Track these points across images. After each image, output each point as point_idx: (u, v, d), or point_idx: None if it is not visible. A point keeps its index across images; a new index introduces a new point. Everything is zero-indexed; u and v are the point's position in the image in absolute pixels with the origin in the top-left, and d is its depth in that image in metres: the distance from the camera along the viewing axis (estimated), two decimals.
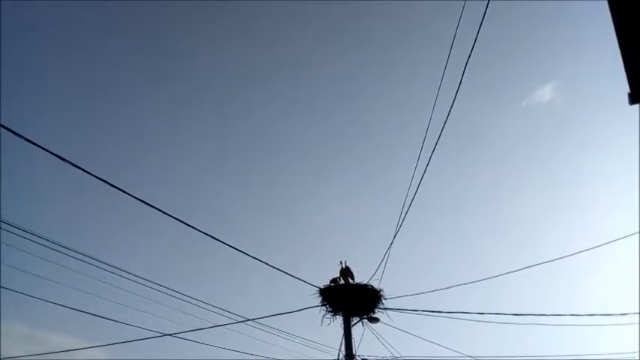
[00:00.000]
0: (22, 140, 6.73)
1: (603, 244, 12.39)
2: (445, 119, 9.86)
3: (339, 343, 14.14)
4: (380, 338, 14.63)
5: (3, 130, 6.48)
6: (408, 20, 32.85)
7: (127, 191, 8.11)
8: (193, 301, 12.37)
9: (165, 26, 31.95)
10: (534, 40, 30.45)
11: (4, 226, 8.92)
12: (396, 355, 14.60)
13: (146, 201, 8.46)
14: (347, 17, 32.25)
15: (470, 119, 28.64)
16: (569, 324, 13.20)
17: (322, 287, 14.49)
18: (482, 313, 13.62)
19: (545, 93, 32.51)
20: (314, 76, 34.18)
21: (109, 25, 30.66)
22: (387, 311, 14.54)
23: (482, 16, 8.10)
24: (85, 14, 28.92)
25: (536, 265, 13.52)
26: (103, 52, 30.85)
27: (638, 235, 10.85)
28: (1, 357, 12.96)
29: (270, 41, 33.45)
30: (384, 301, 14.60)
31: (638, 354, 12.87)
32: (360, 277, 14.85)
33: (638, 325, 12.12)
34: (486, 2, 7.90)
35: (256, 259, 11.23)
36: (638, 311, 12.19)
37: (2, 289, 9.48)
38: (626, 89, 4.55)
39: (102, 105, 30.81)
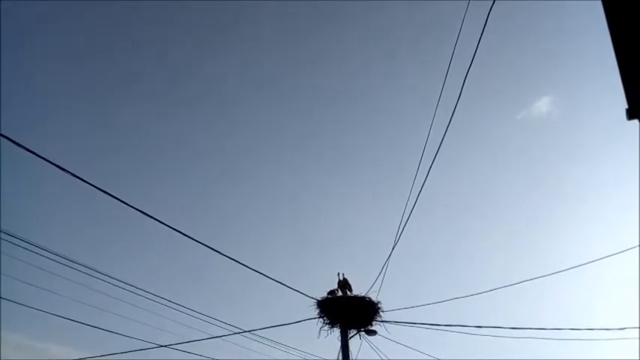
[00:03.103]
0: (22, 149, 6.72)
1: (602, 258, 12.39)
2: (444, 133, 9.89)
3: (337, 355, 14.08)
4: (377, 351, 14.57)
5: (3, 139, 6.47)
6: (408, 33, 33.07)
7: (125, 201, 8.09)
8: (190, 312, 12.35)
9: (170, 30, 32.12)
10: (531, 53, 30.61)
11: (3, 236, 8.89)
12: None
13: (144, 211, 8.44)
14: (352, 24, 32.49)
15: (467, 132, 28.69)
16: (569, 338, 13.16)
17: (320, 299, 14.44)
18: (480, 327, 13.57)
19: (542, 106, 32.61)
20: (316, 81, 34.20)
21: (113, 29, 30.80)
22: (385, 324, 14.49)
23: (481, 30, 8.13)
24: (88, 17, 29.04)
25: (534, 278, 13.50)
26: (105, 58, 30.92)
27: (638, 248, 10.82)
28: None
29: (275, 46, 33.56)
30: (381, 313, 14.56)
31: None
32: (357, 290, 14.83)
33: (638, 340, 12.07)
34: (486, 17, 7.93)
35: (254, 270, 11.19)
36: (637, 325, 12.14)
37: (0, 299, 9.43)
38: (624, 104, 4.54)
39: (102, 113, 30.83)
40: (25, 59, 28.10)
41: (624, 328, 12.42)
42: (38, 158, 6.86)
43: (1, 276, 10.01)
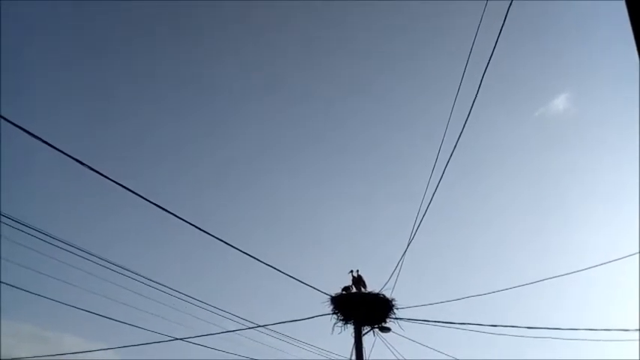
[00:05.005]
0: (41, 142, 6.81)
1: (620, 259, 12.26)
2: (460, 131, 9.84)
3: (350, 351, 14.08)
4: (391, 348, 14.55)
5: (21, 131, 6.56)
6: (425, 30, 32.91)
7: (143, 195, 8.16)
8: (205, 305, 12.42)
9: (177, 31, 32.27)
10: (547, 50, 30.32)
11: (16, 225, 9.01)
12: None
13: (160, 205, 8.51)
14: (362, 25, 32.38)
15: (484, 130, 28.53)
16: (585, 338, 13.04)
17: (334, 295, 14.45)
18: (495, 326, 13.49)
19: (559, 103, 32.35)
20: (327, 82, 34.24)
21: (122, 29, 31.03)
22: (399, 321, 14.45)
23: (499, 30, 8.07)
24: (97, 18, 29.29)
25: (550, 278, 13.40)
26: (116, 56, 31.21)
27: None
28: (6, 357, 13.07)
29: (281, 48, 33.62)
30: (395, 310, 14.52)
31: None
32: (372, 286, 14.82)
33: (638, 341, 11.97)
34: (504, 16, 7.87)
35: (269, 265, 11.23)
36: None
37: (12, 288, 9.56)
38: None
39: (116, 107, 31.15)
40: (39, 57, 28.52)
41: None
42: (53, 153, 6.94)
43: (17, 267, 10.17)
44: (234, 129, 33.57)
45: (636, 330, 12.38)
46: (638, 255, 10.67)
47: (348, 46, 33.66)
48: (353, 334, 14.25)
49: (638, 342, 12.14)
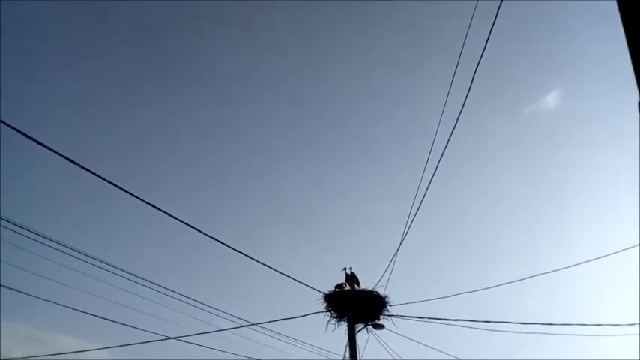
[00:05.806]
0: (37, 145, 6.79)
1: (611, 254, 12.35)
2: (453, 128, 9.87)
3: (344, 349, 14.12)
4: (385, 345, 14.59)
5: (15, 132, 6.53)
6: (417, 29, 32.99)
7: (135, 194, 8.15)
8: (198, 304, 12.42)
9: (177, 31, 32.16)
10: (538, 48, 30.46)
11: (12, 227, 8.98)
12: None
13: (154, 204, 8.50)
14: (358, 23, 32.40)
15: (476, 127, 28.64)
16: (577, 333, 13.14)
17: (327, 293, 14.47)
18: (488, 322, 13.57)
19: (550, 100, 32.55)
20: (324, 81, 34.24)
21: (122, 29, 30.91)
22: (392, 318, 14.50)
23: (490, 27, 8.11)
24: (97, 18, 29.15)
25: (542, 274, 13.48)
26: (115, 56, 31.09)
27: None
28: (3, 357, 13.03)
29: (281, 48, 33.57)
30: (389, 307, 14.57)
31: None
32: (365, 283, 14.84)
33: (638, 337, 12.06)
34: (495, 14, 7.91)
35: (262, 263, 11.25)
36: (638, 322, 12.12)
37: (9, 290, 9.53)
38: (635, 98, 4.52)
39: (116, 107, 31.05)
40: (40, 60, 28.39)
41: (633, 324, 12.40)
42: (61, 157, 6.92)
43: (13, 268, 10.14)
44: (234, 129, 33.51)
45: (627, 325, 12.49)
46: (638, 247, 10.72)
47: (347, 46, 33.68)
48: (346, 332, 14.28)
49: (634, 337, 12.24)
